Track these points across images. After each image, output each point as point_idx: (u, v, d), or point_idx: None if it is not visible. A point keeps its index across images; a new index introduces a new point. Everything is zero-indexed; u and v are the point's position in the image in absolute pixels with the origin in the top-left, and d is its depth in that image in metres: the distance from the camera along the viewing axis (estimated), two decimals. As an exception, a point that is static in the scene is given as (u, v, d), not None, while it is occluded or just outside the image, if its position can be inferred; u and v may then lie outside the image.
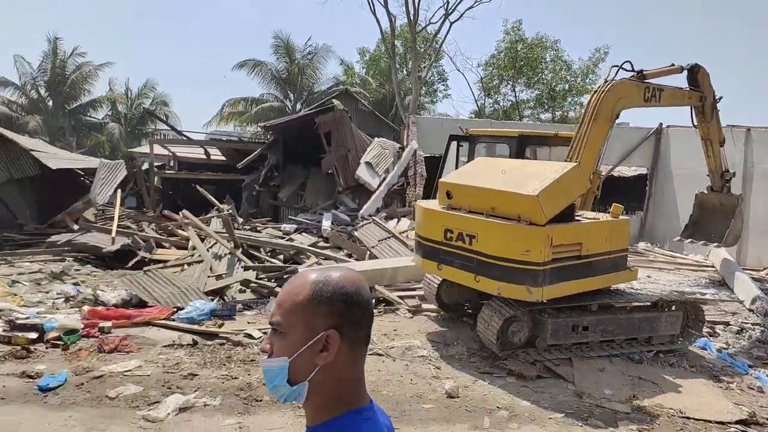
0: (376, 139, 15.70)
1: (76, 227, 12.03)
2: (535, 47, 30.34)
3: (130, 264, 10.14)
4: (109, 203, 13.75)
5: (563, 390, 5.39)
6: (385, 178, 14.02)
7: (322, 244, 11.08)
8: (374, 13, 28.76)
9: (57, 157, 14.34)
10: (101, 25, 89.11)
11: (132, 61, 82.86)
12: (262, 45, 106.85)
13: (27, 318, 6.31)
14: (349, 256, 10.33)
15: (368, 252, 10.20)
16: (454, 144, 9.57)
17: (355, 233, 11.24)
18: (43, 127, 26.69)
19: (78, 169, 14.88)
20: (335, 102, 14.90)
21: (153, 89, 32.90)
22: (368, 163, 14.26)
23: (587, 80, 31.08)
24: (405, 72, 32.13)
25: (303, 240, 11.35)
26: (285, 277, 8.99)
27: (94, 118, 31.64)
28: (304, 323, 1.02)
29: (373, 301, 8.39)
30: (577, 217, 6.21)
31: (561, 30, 66.09)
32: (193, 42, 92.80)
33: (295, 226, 12.54)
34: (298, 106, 29.28)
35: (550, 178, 5.62)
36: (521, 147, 8.13)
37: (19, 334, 5.92)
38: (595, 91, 6.67)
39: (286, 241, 11.24)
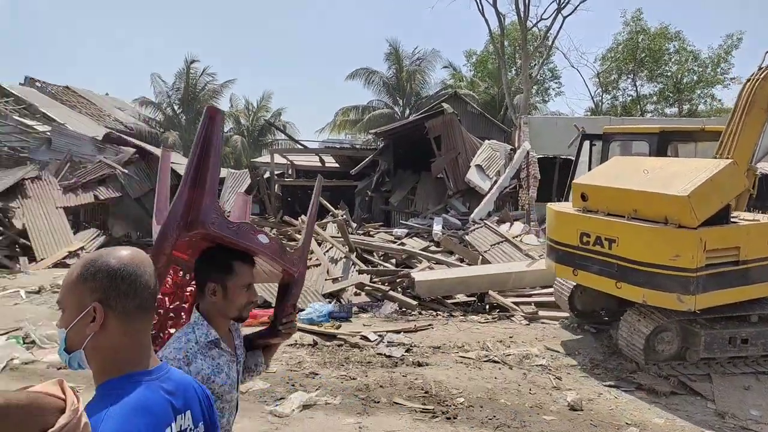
0: (486, 141, 15.45)
1: (207, 232, 13.08)
2: (657, 37, 28.27)
3: (254, 267, 10.82)
4: (235, 210, 14.79)
5: (701, 408, 4.93)
6: (496, 181, 13.75)
7: (433, 248, 11.08)
8: (482, 13, 28.41)
9: (190, 169, 15.70)
10: (224, 43, 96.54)
11: (251, 76, 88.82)
12: (373, 54, 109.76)
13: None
14: (461, 260, 10.24)
15: (480, 256, 10.04)
16: (586, 143, 9.05)
17: (467, 237, 11.12)
18: (179, 141, 29.35)
19: (208, 178, 16.19)
20: (444, 105, 14.89)
21: (269, 99, 34.97)
22: (479, 166, 14.06)
23: (718, 70, 28.41)
24: (514, 71, 31.38)
25: (414, 244, 11.43)
26: (398, 280, 9.12)
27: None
28: (75, 299, 1.15)
29: (485, 306, 8.25)
30: (733, 219, 5.66)
31: (684, 17, 61.07)
32: (307, 54, 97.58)
33: (406, 230, 12.67)
34: (407, 112, 29.65)
35: (703, 177, 5.14)
36: (662, 144, 7.52)
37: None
38: (749, 80, 6.05)
39: (398, 245, 11.39)
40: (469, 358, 6.12)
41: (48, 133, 20.50)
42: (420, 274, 8.85)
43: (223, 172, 16.58)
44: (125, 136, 18.65)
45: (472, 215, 12.73)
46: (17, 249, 11.09)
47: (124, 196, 13.82)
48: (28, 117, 25.65)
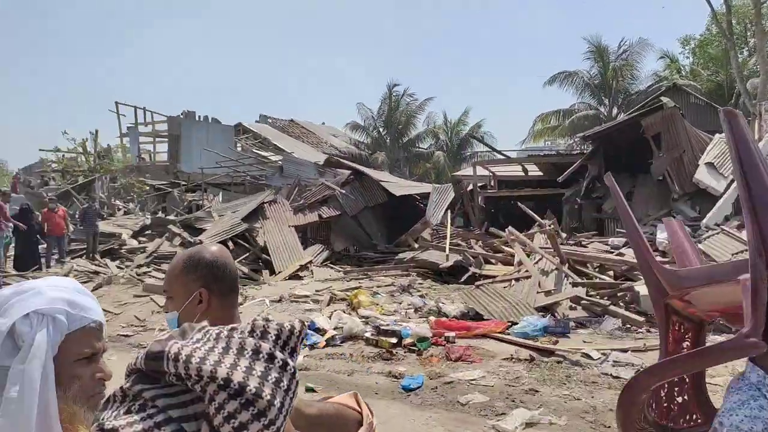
0: (716, 135, 13.48)
1: (416, 246, 13.64)
2: None
3: (462, 279, 10.95)
4: (441, 223, 15.20)
5: None
6: (732, 180, 11.88)
7: (658, 258, 9.95)
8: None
9: (398, 185, 16.59)
10: (421, 63, 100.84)
11: (448, 92, 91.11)
12: (569, 57, 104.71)
13: (387, 325, 7.35)
14: (694, 272, 9.02)
15: (719, 267, 8.72)
16: None
17: (699, 246, 9.76)
18: (386, 161, 31.38)
19: (415, 194, 16.91)
20: (664, 99, 13.42)
21: (468, 114, 35.45)
22: (709, 164, 12.33)
23: None
24: (746, 53, 27.02)
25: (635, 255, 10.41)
26: (619, 294, 8.39)
27: (421, 148, 35.73)
28: (182, 287, 1.40)
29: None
30: None
31: None
32: (502, 64, 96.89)
33: (624, 239, 11.62)
34: (614, 111, 27.46)
35: None
36: None
37: (383, 338, 6.93)
38: None
39: (616, 255, 10.50)
40: (715, 384, 5.31)
41: (280, 162, 23.50)
42: (645, 288, 8.01)
43: (427, 187, 17.17)
44: (342, 160, 20.49)
45: (704, 221, 11.19)
46: (260, 263, 12.83)
47: (342, 213, 15.14)
48: (263, 149, 29.83)
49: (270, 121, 38.49)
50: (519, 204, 13.42)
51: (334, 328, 7.42)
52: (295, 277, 11.95)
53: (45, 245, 12.67)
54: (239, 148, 30.24)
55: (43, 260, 12.27)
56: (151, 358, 0.80)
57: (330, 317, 7.90)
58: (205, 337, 0.83)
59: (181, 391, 0.79)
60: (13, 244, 12.10)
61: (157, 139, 30.53)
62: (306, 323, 1.52)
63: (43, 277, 1.16)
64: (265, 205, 14.63)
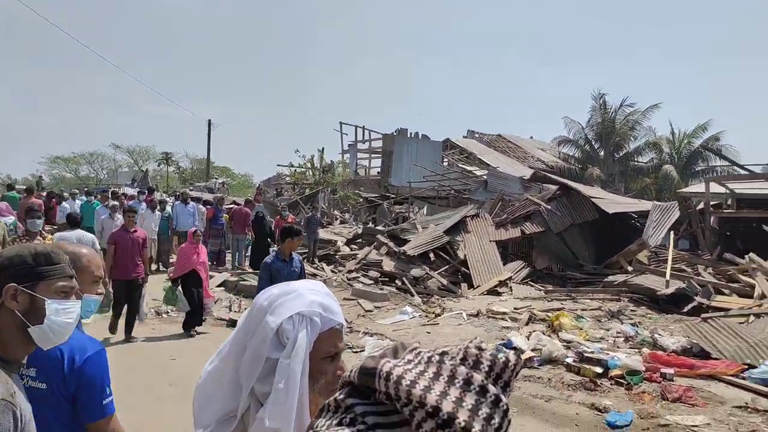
0: None
1: (630, 268, 12.43)
2: None
3: (685, 309, 9.65)
4: (661, 245, 13.62)
5: None
6: None
7: None
8: None
9: (612, 202, 15.33)
10: (640, 72, 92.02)
11: (677, 100, 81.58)
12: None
13: (592, 352, 6.80)
14: None
15: None
16: None
17: None
18: (600, 175, 29.28)
19: (631, 212, 15.46)
20: None
21: (704, 129, 31.25)
22: None
23: None
24: None
25: None
26: None
27: (640, 162, 32.52)
28: None
29: None
30: None
31: None
32: (743, 69, 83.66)
33: None
34: None
35: None
36: None
37: (587, 366, 6.42)
38: None
39: None
40: None
41: (484, 177, 23.57)
42: None
43: (646, 204, 15.53)
44: (549, 174, 19.74)
45: None
46: (459, 276, 12.95)
47: (546, 230, 14.52)
48: (469, 164, 30.23)
49: (477, 135, 38.90)
50: (765, 227, 11.35)
51: (533, 350, 7.13)
52: (493, 292, 11.80)
53: (276, 248, 14.57)
54: (445, 163, 31.13)
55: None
56: (364, 374, 0.83)
57: (528, 337, 7.61)
58: (416, 359, 0.83)
59: (390, 411, 0.80)
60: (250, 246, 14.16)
61: (372, 155, 33.03)
62: (521, 357, 1.41)
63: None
64: (468, 218, 14.75)
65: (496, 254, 13.45)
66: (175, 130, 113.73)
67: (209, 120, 38.74)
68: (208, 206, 15.03)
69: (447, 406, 0.71)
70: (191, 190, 22.05)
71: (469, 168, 28.58)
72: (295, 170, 33.05)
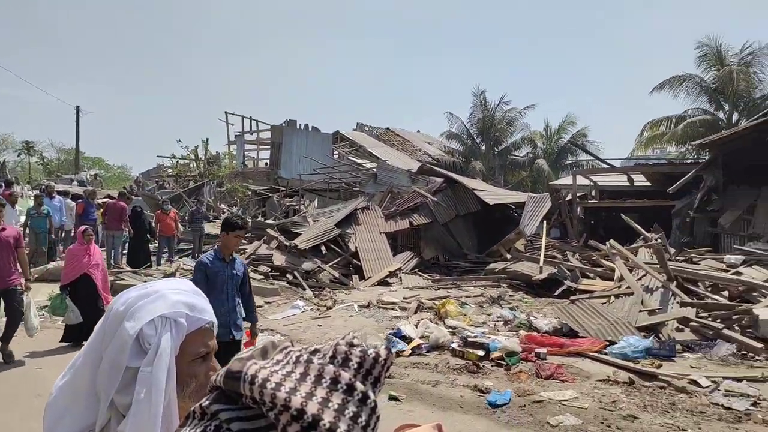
0: None
1: (508, 256, 13.24)
2: None
3: (556, 292, 10.48)
4: (535, 234, 14.66)
5: None
6: None
7: (784, 280, 8.95)
8: None
9: (492, 194, 16.22)
10: (518, 72, 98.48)
11: (551, 99, 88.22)
12: (681, 61, 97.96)
13: (475, 337, 7.16)
14: (829, 296, 8.00)
15: None
16: None
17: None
18: (482, 168, 30.84)
19: (509, 203, 16.46)
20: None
21: (572, 123, 33.97)
22: None
23: None
24: None
25: (755, 274, 9.44)
26: (734, 317, 7.61)
27: (517, 156, 34.76)
28: None
29: None
30: None
31: None
32: (607, 72, 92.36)
33: (742, 257, 10.56)
34: (735, 117, 25.14)
35: None
36: None
37: (470, 350, 6.75)
38: None
39: (732, 274, 9.56)
40: None
41: (374, 170, 23.86)
42: (766, 311, 7.21)
43: (522, 196, 16.63)
44: (435, 167, 20.43)
45: (842, 239, 9.89)
46: (350, 268, 13.05)
47: (433, 221, 15.05)
48: (359, 156, 30.48)
49: (367, 129, 39.31)
50: (622, 216, 12.60)
51: (421, 337, 7.35)
52: (383, 283, 12.03)
53: (156, 244, 13.71)
54: (336, 156, 31.14)
55: (153, 258, 13.28)
56: (229, 378, 0.78)
57: (417, 326, 7.84)
58: (285, 359, 0.79)
59: (256, 416, 0.76)
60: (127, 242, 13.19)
61: (261, 147, 32.20)
62: (393, 351, 1.40)
63: (154, 274, 1.24)
64: (358, 211, 14.88)
65: (386, 246, 13.71)
66: (38, 117, 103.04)
67: (77, 106, 35.46)
68: (78, 200, 13.77)
69: (312, 408, 0.69)
70: (57, 183, 20.10)
71: (359, 161, 28.81)
72: (178, 162, 31.37)
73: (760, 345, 6.73)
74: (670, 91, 26.87)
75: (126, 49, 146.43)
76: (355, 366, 0.75)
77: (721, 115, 26.13)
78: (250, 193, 24.03)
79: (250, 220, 17.58)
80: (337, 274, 12.33)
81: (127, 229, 12.57)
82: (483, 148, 34.15)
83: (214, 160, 31.15)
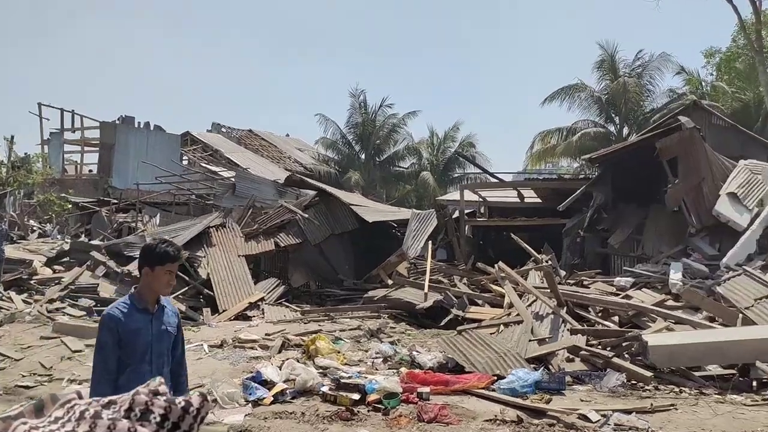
0: (741, 161, 13.84)
1: (390, 282, 13.56)
2: None
3: (443, 323, 10.91)
4: (420, 256, 15.17)
5: None
6: (758, 213, 12.17)
7: (670, 302, 10.09)
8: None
9: (372, 210, 16.59)
10: (402, 74, 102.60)
11: (436, 107, 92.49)
12: (577, 68, 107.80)
13: (350, 377, 7.22)
14: (711, 319, 9.15)
15: (740, 315, 8.88)
16: None
17: (718, 289, 9.97)
18: (360, 181, 31.41)
19: (391, 221, 16.91)
20: (682, 119, 13.71)
21: (457, 129, 35.79)
22: (732, 195, 12.60)
23: None
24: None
25: (644, 297, 10.56)
26: (624, 344, 8.41)
27: (401, 167, 35.90)
28: None
29: (751, 381, 7.23)
30: None
31: None
32: (495, 81, 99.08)
33: (632, 279, 11.76)
34: (625, 131, 28.09)
35: None
36: None
37: (344, 394, 6.79)
38: None
39: (622, 298, 10.60)
40: (734, 455, 5.31)
41: (233, 179, 23.36)
42: (654, 337, 8.06)
43: (406, 213, 17.19)
44: (306, 178, 20.46)
45: (724, 259, 11.37)
46: (201, 300, 12.61)
47: (304, 242, 15.02)
48: (215, 163, 29.70)
49: (225, 130, 38.45)
50: (512, 235, 13.50)
51: (285, 381, 7.26)
52: (242, 317, 11.76)
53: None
54: (185, 162, 30.10)
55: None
56: None
57: (281, 367, 7.73)
58: (66, 416, 0.74)
59: None
60: None
61: (86, 148, 30.26)
62: (209, 398, 1.36)
63: None
64: (212, 229, 14.47)
65: (245, 271, 13.43)
66: None
67: None
68: None
69: None
70: None
71: (214, 168, 28.07)
72: (-31, 164, 28.51)
73: (648, 373, 7.49)
74: (562, 101, 29.44)
75: None
76: (158, 420, 0.74)
77: (612, 128, 29.04)
78: (70, 206, 22.44)
79: (70, 240, 16.38)
80: (183, 308, 11.83)
81: None
82: (362, 156, 34.84)
83: (21, 163, 28.73)
